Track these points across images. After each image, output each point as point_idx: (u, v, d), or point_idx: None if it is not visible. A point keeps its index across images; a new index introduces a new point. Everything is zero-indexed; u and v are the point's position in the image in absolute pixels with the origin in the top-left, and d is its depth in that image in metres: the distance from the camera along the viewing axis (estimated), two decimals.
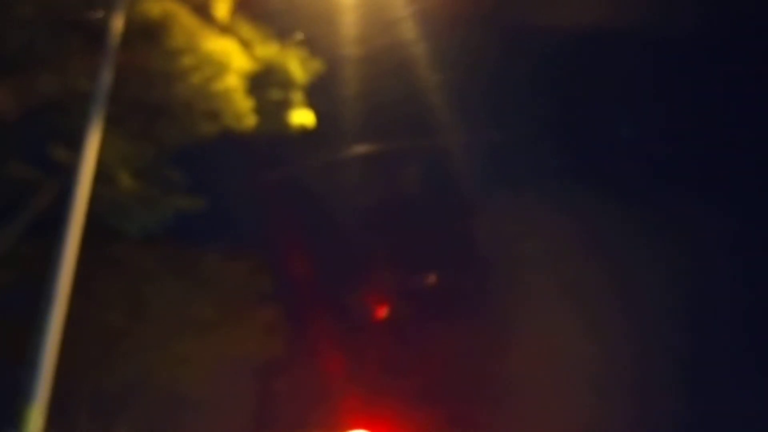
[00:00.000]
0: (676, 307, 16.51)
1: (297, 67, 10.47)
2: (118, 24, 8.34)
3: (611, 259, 16.50)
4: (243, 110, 9.99)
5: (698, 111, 17.04)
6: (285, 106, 10.53)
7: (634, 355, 16.30)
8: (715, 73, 16.77)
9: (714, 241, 16.73)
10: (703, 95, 16.99)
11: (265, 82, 10.28)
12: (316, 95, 10.60)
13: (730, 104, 17.17)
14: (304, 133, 10.63)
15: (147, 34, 9.35)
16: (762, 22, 16.21)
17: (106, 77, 8.11)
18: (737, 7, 15.43)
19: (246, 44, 10.05)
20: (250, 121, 10.07)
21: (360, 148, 13.67)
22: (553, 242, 16.46)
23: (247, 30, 10.12)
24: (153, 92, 9.66)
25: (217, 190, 12.24)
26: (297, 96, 10.56)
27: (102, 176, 8.54)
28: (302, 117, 10.60)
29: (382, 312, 16.49)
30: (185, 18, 9.53)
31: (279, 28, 10.28)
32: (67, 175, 8.04)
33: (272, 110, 10.42)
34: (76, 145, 7.94)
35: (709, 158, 17.54)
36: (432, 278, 16.42)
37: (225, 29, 9.88)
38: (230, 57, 9.75)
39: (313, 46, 10.47)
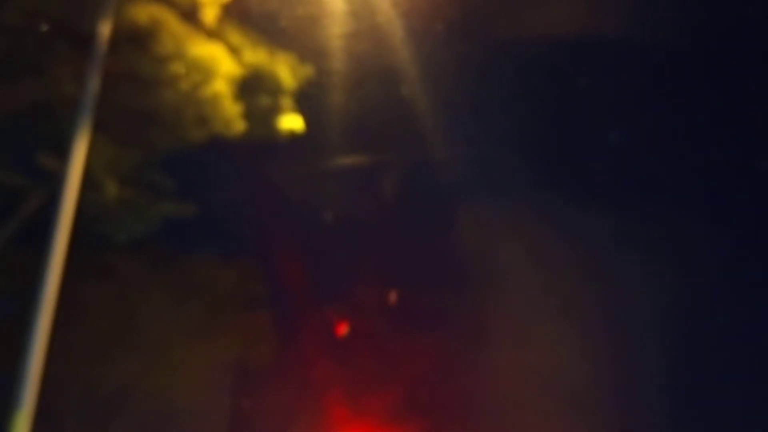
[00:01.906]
0: (664, 319, 16.51)
1: (286, 72, 10.48)
2: (105, 30, 8.33)
3: (596, 270, 16.46)
4: (232, 116, 9.98)
5: (687, 119, 17.08)
6: (274, 111, 10.54)
7: (616, 369, 16.25)
8: (704, 80, 16.84)
9: (702, 251, 16.75)
10: (693, 103, 17.02)
11: (253, 88, 10.28)
12: (302, 103, 10.63)
13: (719, 112, 17.19)
14: (292, 139, 10.64)
15: (135, 40, 9.34)
16: (753, 28, 16.29)
17: (94, 83, 8.10)
18: (727, 14, 15.52)
19: (234, 50, 10.05)
20: (239, 126, 10.06)
21: (346, 154, 13.67)
22: (538, 253, 16.45)
23: (235, 36, 10.12)
24: (141, 98, 9.64)
25: (206, 196, 12.23)
26: (286, 101, 10.58)
27: (90, 183, 8.53)
28: (291, 122, 10.61)
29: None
30: (173, 24, 9.52)
31: (267, 34, 10.30)
32: (55, 182, 8.03)
33: (261, 116, 10.43)
34: (63, 151, 7.93)
35: (698, 166, 17.55)
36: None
37: (213, 35, 9.87)
38: (219, 63, 9.75)
39: (300, 52, 10.50)
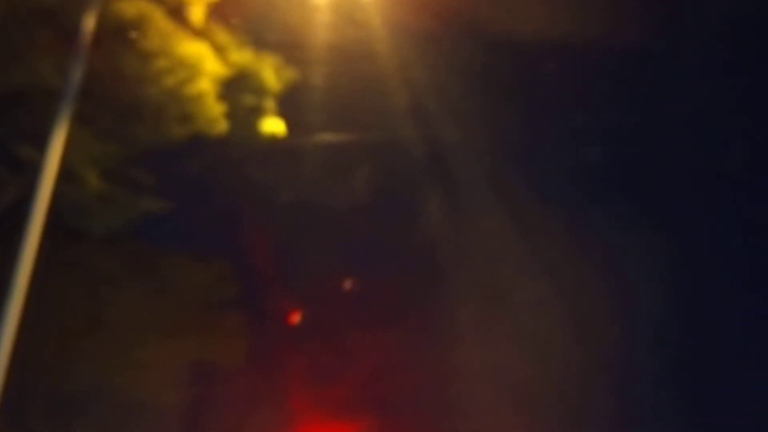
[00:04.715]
0: (645, 328, 16.55)
1: (270, 74, 10.50)
2: (90, 23, 8.27)
3: (569, 265, 16.37)
4: (214, 115, 9.98)
5: (669, 138, 17.16)
6: (257, 112, 10.55)
7: (583, 367, 16.21)
8: (686, 99, 16.92)
9: (680, 265, 16.86)
10: (676, 121, 17.11)
11: (238, 88, 10.28)
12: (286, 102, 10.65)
13: (702, 129, 17.29)
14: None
15: (120, 34, 9.30)
16: (734, 41, 16.41)
17: (76, 75, 8.03)
18: (713, 28, 15.64)
19: (220, 49, 10.04)
20: (221, 126, 10.06)
21: (325, 144, 13.59)
22: (507, 247, 16.34)
23: (222, 35, 10.12)
24: (124, 93, 9.60)
25: (184, 192, 12.13)
26: (269, 103, 10.59)
27: (68, 175, 8.45)
28: (273, 125, 10.62)
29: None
30: (160, 20, 9.51)
31: (254, 34, 10.29)
32: (32, 173, 7.94)
33: (244, 116, 10.43)
34: (42, 143, 7.85)
35: (674, 184, 17.63)
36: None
37: (200, 33, 9.86)
38: (204, 61, 9.75)
39: (284, 47, 10.50)
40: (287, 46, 10.74)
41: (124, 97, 9.63)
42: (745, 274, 17.53)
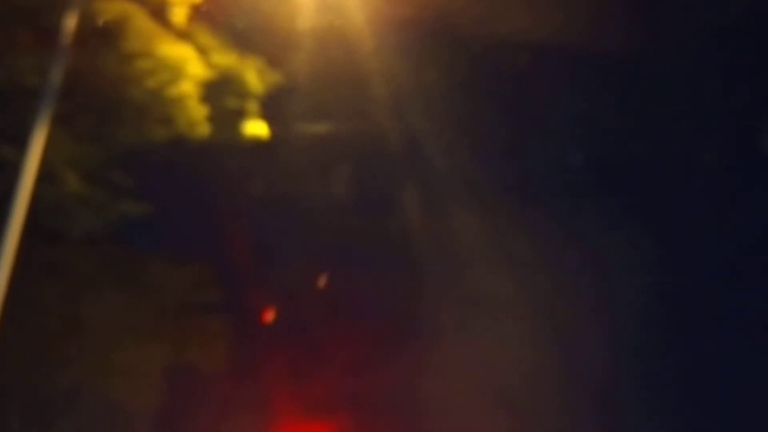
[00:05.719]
0: (620, 327, 16.64)
1: (254, 77, 10.47)
2: (71, 23, 8.21)
3: (548, 262, 16.40)
4: (196, 118, 9.94)
5: (652, 146, 17.29)
6: (240, 116, 10.52)
7: (560, 369, 16.28)
8: (671, 100, 17.03)
9: (664, 266, 16.97)
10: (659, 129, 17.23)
11: (220, 91, 10.25)
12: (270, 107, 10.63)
13: (682, 138, 17.44)
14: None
15: (102, 34, 9.25)
16: (720, 42, 16.55)
17: (57, 75, 7.98)
18: (698, 28, 15.76)
19: (203, 51, 10.01)
20: (203, 129, 10.02)
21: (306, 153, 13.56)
22: (484, 244, 16.34)
23: (204, 37, 10.08)
24: (105, 94, 9.55)
25: (164, 195, 12.06)
26: (252, 106, 10.56)
27: (47, 176, 8.38)
28: (256, 128, 10.59)
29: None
30: (142, 21, 9.47)
31: (234, 28, 10.27)
32: (11, 174, 7.87)
33: (226, 119, 10.39)
34: (21, 143, 7.78)
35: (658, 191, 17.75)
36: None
37: (182, 35, 9.82)
38: (186, 63, 9.71)
39: (264, 40, 10.49)
40: (267, 39, 10.71)
41: (105, 98, 9.58)
42: (731, 274, 17.68)
